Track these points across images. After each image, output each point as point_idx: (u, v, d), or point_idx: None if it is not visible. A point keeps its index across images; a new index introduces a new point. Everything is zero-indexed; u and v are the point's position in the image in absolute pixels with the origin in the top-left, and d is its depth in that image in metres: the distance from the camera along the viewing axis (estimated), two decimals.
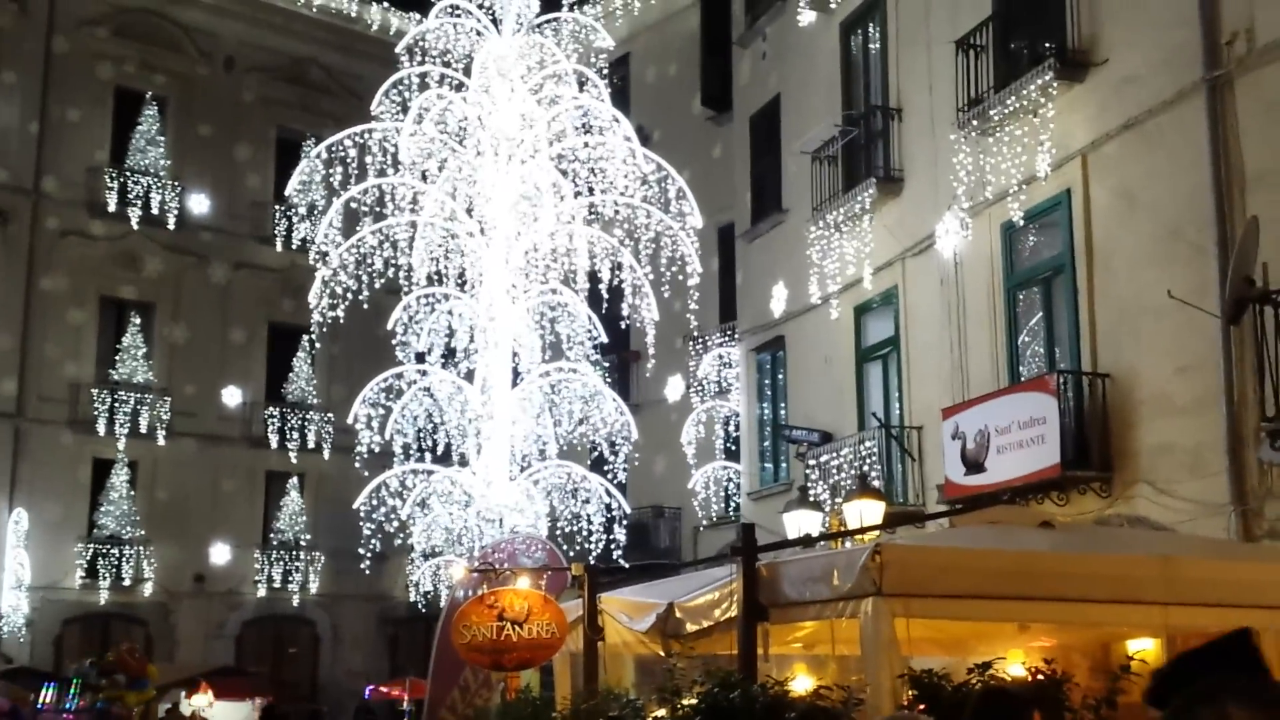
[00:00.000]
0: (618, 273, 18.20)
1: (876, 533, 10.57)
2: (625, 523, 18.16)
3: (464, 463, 17.70)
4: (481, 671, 12.84)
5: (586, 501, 17.58)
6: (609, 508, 17.77)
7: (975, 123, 14.41)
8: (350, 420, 17.82)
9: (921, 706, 6.97)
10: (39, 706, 21.54)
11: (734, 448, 22.64)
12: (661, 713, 8.56)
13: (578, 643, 10.98)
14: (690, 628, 8.88)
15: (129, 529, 29.03)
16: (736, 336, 21.76)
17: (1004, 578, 7.35)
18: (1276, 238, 10.45)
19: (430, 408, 17.24)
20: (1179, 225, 12.04)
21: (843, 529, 11.66)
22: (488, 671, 12.62)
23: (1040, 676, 7.14)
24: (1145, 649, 8.81)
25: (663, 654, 9.32)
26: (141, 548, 29.07)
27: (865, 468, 15.56)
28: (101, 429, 28.77)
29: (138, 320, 30.07)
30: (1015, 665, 7.89)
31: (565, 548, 17.17)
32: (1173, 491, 11.75)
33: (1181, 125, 12.06)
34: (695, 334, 23.19)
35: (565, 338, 17.68)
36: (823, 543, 11.13)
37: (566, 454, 18.23)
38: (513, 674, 12.09)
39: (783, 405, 19.69)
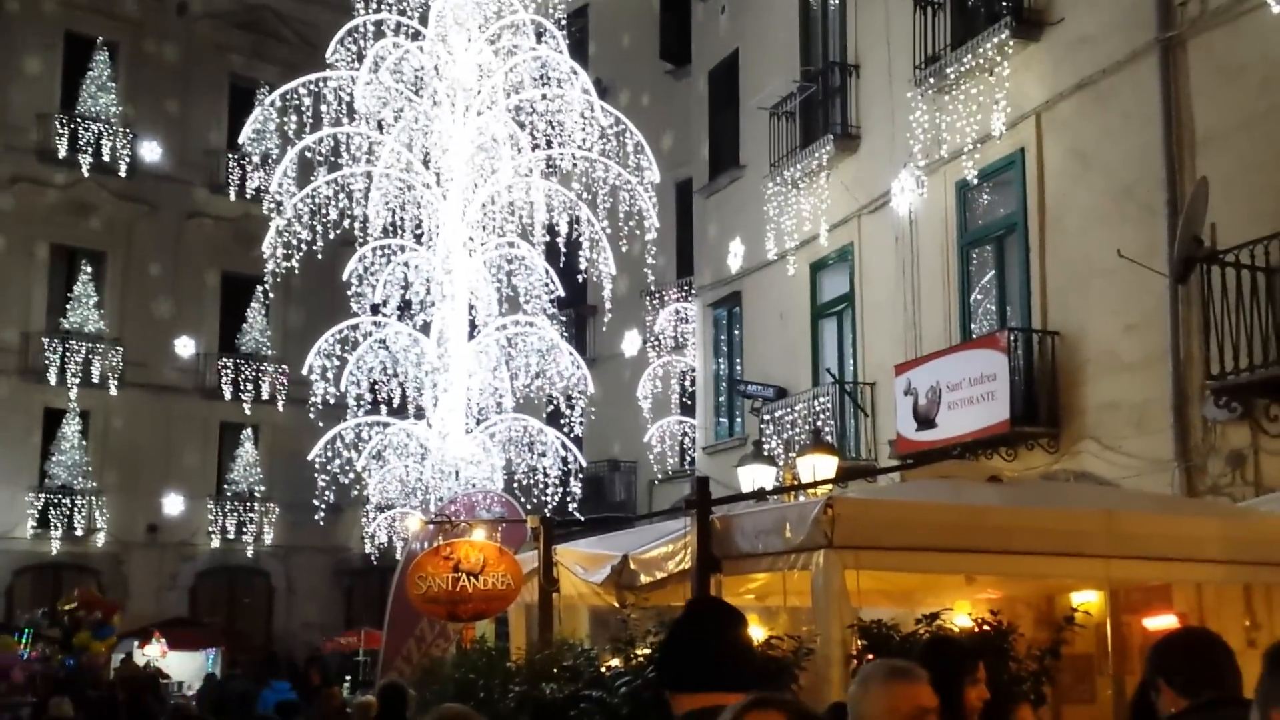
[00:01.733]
0: (575, 227, 18.17)
1: (829, 487, 10.71)
2: (581, 476, 18.24)
3: (420, 415, 17.69)
4: (438, 622, 12.91)
5: (543, 455, 17.64)
6: (565, 461, 17.84)
7: (932, 80, 14.47)
8: (305, 371, 17.73)
9: (870, 656, 7.11)
10: None
11: (690, 402, 22.75)
12: (616, 662, 8.66)
13: (533, 594, 11.06)
14: (644, 579, 8.97)
15: (80, 479, 28.81)
16: (694, 292, 21.81)
17: (952, 531, 7.48)
18: (1225, 198, 10.62)
19: (385, 360, 17.18)
20: (1130, 185, 12.18)
21: (796, 483, 11.79)
22: (444, 622, 12.69)
23: (986, 627, 7.29)
24: (1088, 601, 9.02)
25: (617, 605, 9.41)
26: (94, 498, 28.89)
27: (819, 423, 15.70)
28: (53, 378, 28.48)
29: (89, 269, 29.70)
30: (962, 616, 8.05)
31: (522, 500, 17.24)
32: (1118, 447, 11.97)
33: (1134, 85, 12.17)
34: (652, 289, 23.21)
35: (522, 291, 17.65)
36: (776, 497, 11.26)
37: (523, 407, 18.26)
38: (468, 625, 12.17)
39: (738, 360, 19.79)
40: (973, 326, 14.34)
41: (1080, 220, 12.77)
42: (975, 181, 14.08)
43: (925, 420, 13.65)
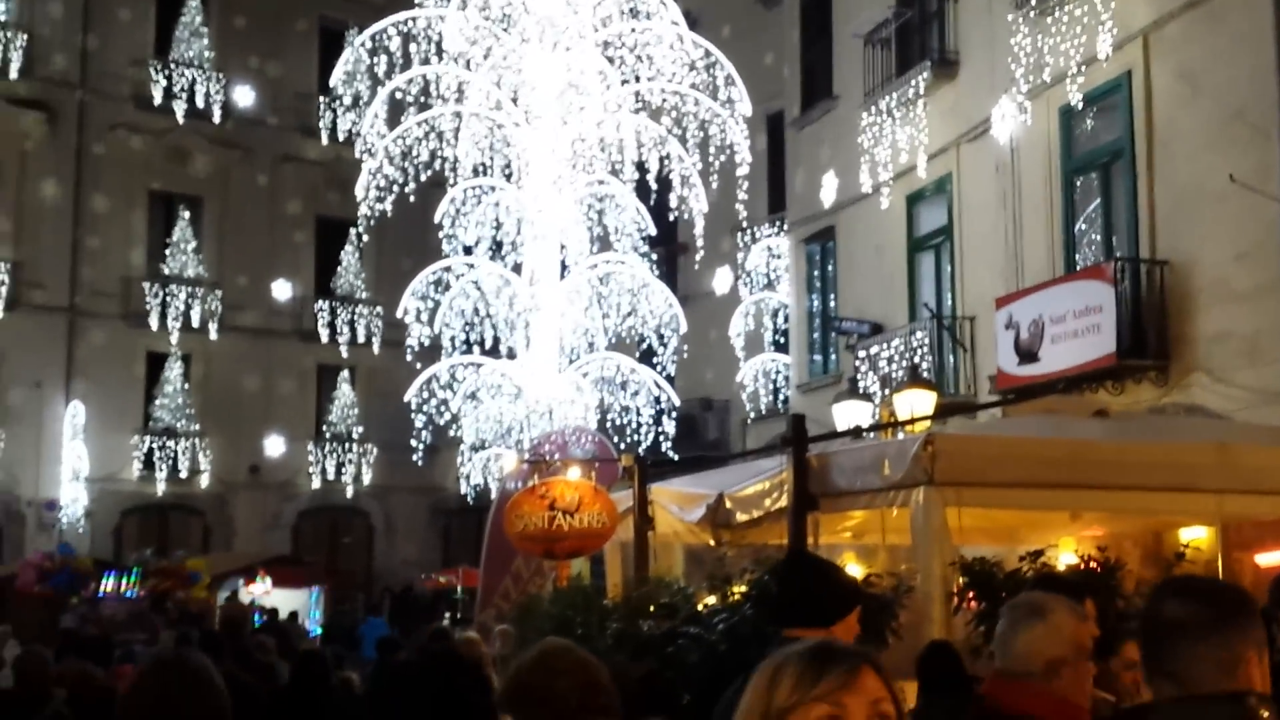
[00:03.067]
0: (666, 163, 17.95)
1: (927, 424, 10.50)
2: (674, 415, 18.17)
3: (512, 356, 17.73)
4: (534, 560, 13.01)
5: (635, 394, 17.60)
6: (658, 400, 17.78)
7: (1033, 2, 13.96)
8: (399, 314, 17.85)
9: (971, 594, 6.97)
10: (99, 595, 22.13)
11: (783, 340, 22.54)
12: (712, 600, 8.63)
13: (628, 532, 11.06)
14: (740, 518, 8.91)
15: (184, 422, 29.55)
16: (786, 227, 21.52)
17: (1057, 466, 7.28)
18: None
19: (478, 301, 17.22)
20: (1241, 108, 11.67)
21: (893, 420, 11.60)
22: (540, 560, 12.78)
23: (1092, 565, 7.10)
24: (1198, 537, 8.75)
25: (713, 543, 9.38)
26: (197, 440, 29.62)
27: (916, 359, 15.42)
28: (154, 323, 29.14)
29: (186, 214, 30.24)
30: (1067, 554, 7.86)
31: (615, 440, 17.25)
32: (1230, 380, 11.56)
33: (1246, 5, 11.66)
34: (744, 225, 22.95)
35: (613, 229, 17.52)
36: (873, 434, 11.09)
37: (615, 347, 18.21)
38: (563, 562, 12.24)
39: (833, 297, 19.51)
40: (1077, 257, 13.92)
41: (1189, 145, 12.28)
42: (1079, 106, 13.59)
43: (1028, 354, 13.31)
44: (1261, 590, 5.29)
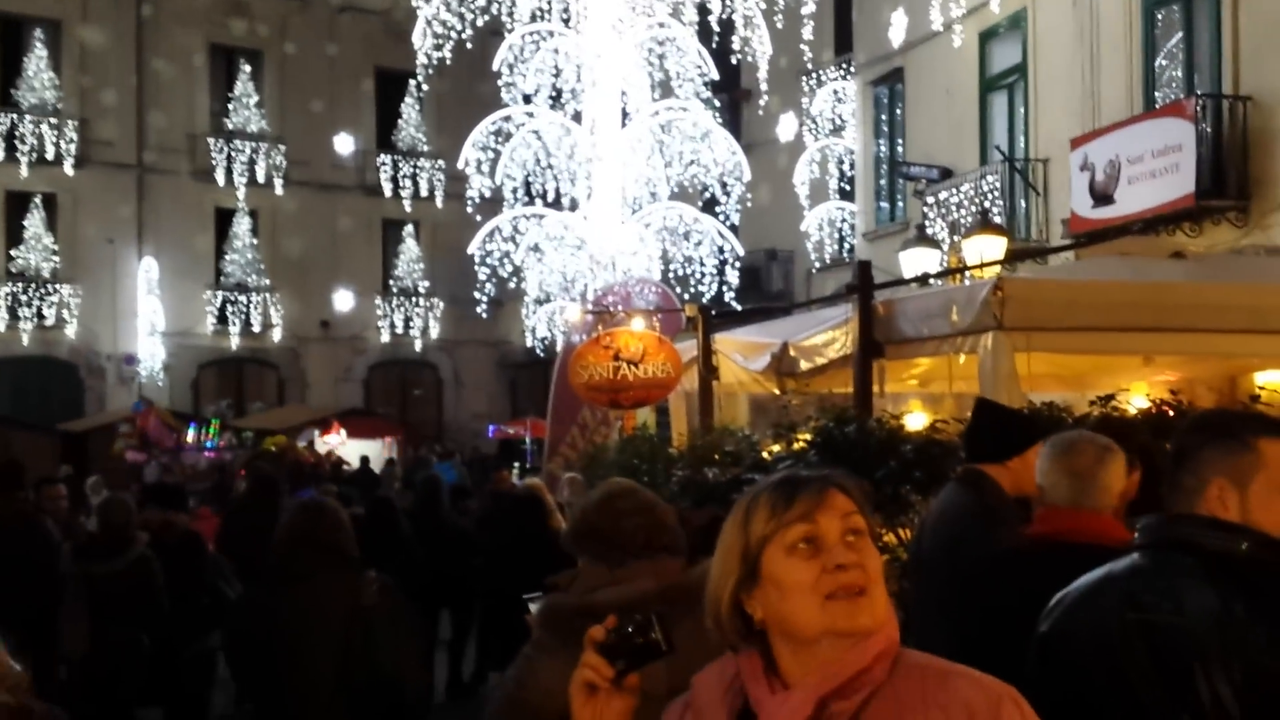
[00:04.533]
0: (728, 3, 17.42)
1: (997, 269, 10.30)
2: (738, 265, 18.00)
3: (575, 207, 17.59)
4: (600, 410, 13.11)
5: (698, 244, 17.40)
6: (721, 250, 17.59)
7: None
8: (460, 165, 17.71)
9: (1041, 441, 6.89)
10: (179, 447, 22.79)
11: (849, 187, 22.15)
12: (777, 447, 8.64)
13: (692, 382, 11.08)
14: (805, 366, 8.86)
15: (254, 277, 29.95)
16: (853, 69, 20.93)
17: (1129, 309, 7.11)
18: None
19: (539, 151, 17.01)
20: None
21: (962, 266, 11.40)
22: (606, 410, 12.87)
23: (1164, 409, 6.98)
24: (1274, 380, 8.56)
25: (777, 392, 9.36)
26: (268, 295, 30.04)
27: (986, 204, 15.09)
28: (221, 179, 29.34)
29: (247, 68, 30.14)
30: (1138, 398, 7.73)
31: (678, 291, 17.14)
32: None
33: None
34: (809, 68, 22.36)
35: (674, 75, 17.12)
36: (941, 281, 10.92)
37: (677, 196, 17.97)
38: (629, 412, 12.32)
39: (900, 141, 19.07)
40: (1157, 95, 13.41)
41: None
42: None
43: (1103, 196, 12.96)
44: None
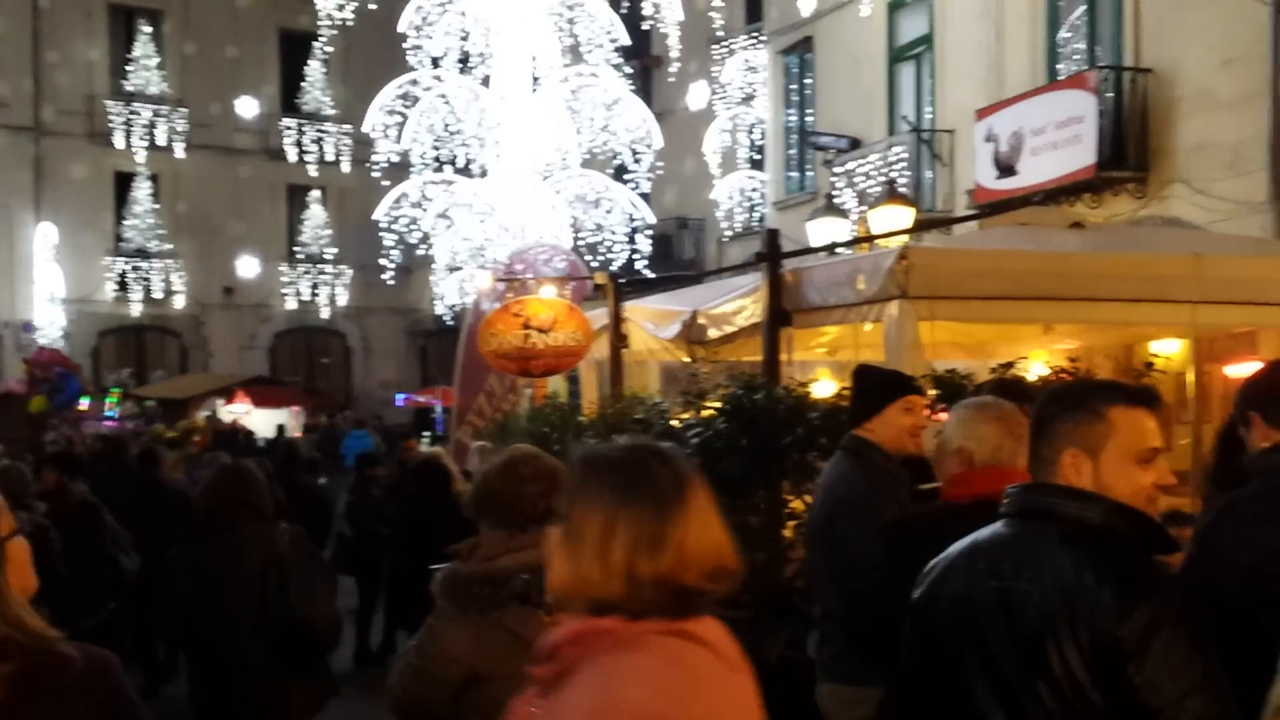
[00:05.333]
0: None
1: (903, 238, 10.41)
2: (649, 233, 18.00)
3: (484, 173, 17.42)
4: (507, 377, 13.03)
5: (609, 212, 17.36)
6: (632, 218, 17.57)
7: None
8: (366, 129, 17.43)
9: (942, 406, 6.99)
10: (81, 416, 22.26)
11: (759, 157, 22.23)
12: (687, 415, 8.67)
13: (603, 350, 11.07)
14: (714, 334, 8.89)
15: (155, 242, 29.25)
16: (763, 38, 20.97)
17: (1031, 278, 7.22)
18: None
19: (447, 116, 16.79)
20: None
21: (869, 235, 11.50)
22: (514, 377, 12.80)
23: (1063, 375, 7.12)
24: (1170, 350, 8.79)
25: (687, 360, 9.38)
26: (170, 261, 29.38)
27: (893, 174, 15.24)
28: (120, 142, 28.57)
29: (147, 29, 29.32)
30: (1038, 365, 7.88)
31: (589, 258, 17.10)
32: (1209, 190, 11.47)
33: None
34: (720, 36, 22.36)
35: (584, 40, 17.00)
36: (848, 250, 11.00)
37: (588, 163, 17.90)
38: (540, 380, 12.27)
39: (810, 111, 19.16)
40: (1060, 67, 13.63)
41: None
42: None
43: (1006, 168, 13.16)
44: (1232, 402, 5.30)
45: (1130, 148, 12.25)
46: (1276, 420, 3.14)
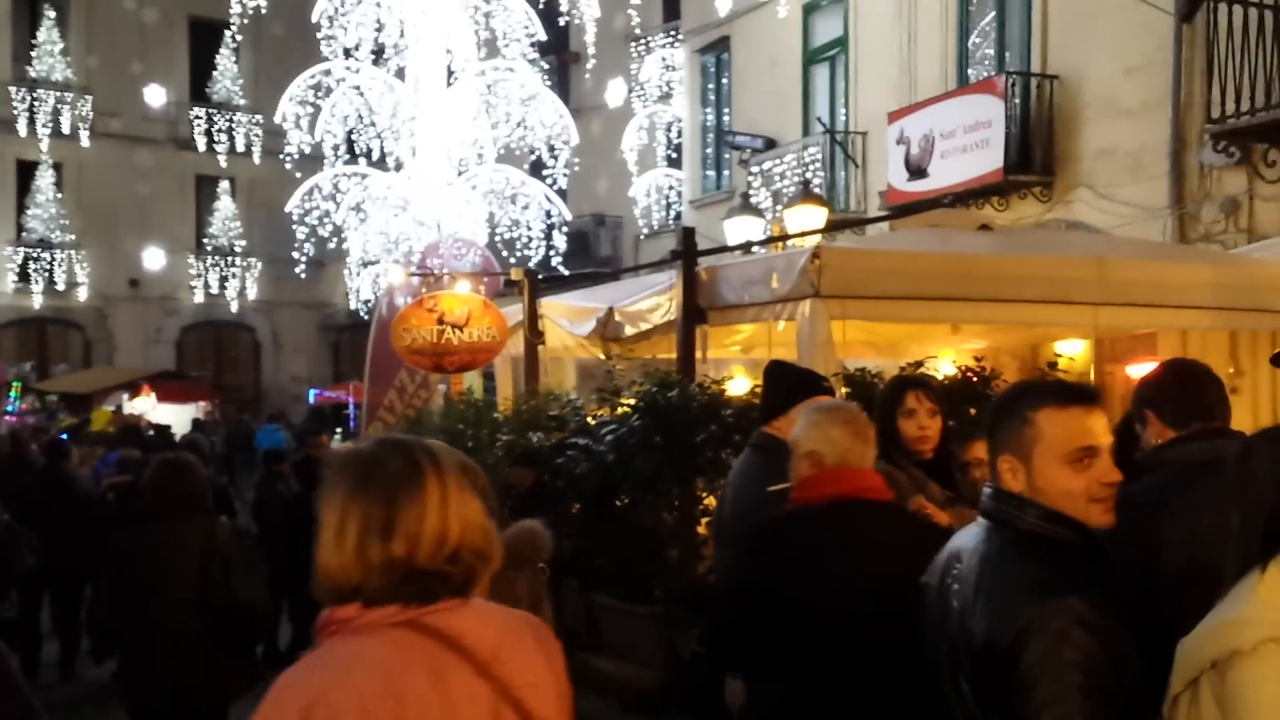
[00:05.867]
0: None
1: (817, 238, 10.53)
2: (565, 230, 17.98)
3: (399, 166, 17.25)
4: (418, 373, 12.95)
5: (526, 208, 17.30)
6: (549, 214, 17.53)
7: None
8: (278, 119, 17.16)
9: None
10: None
11: (676, 155, 22.31)
12: (602, 412, 8.69)
13: (518, 347, 11.05)
14: (630, 331, 8.92)
15: (58, 233, 28.52)
16: (680, 37, 21.04)
17: (940, 279, 7.36)
18: None
19: (361, 108, 16.60)
20: None
21: (783, 235, 11.61)
22: (424, 373, 12.72)
23: (969, 375, 7.26)
24: (1074, 351, 9.01)
25: (603, 357, 9.40)
26: (73, 252, 28.66)
27: (808, 174, 15.40)
28: (23, 129, 27.81)
29: (52, 14, 28.57)
30: (945, 364, 8.03)
31: (505, 254, 17.04)
32: (1113, 195, 11.76)
33: None
34: (638, 34, 22.40)
35: (501, 34, 16.91)
36: (763, 249, 11.10)
37: (504, 159, 17.82)
38: (455, 376, 12.20)
39: (727, 110, 19.27)
40: (970, 71, 13.87)
41: None
42: None
43: (917, 170, 13.36)
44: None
45: (1037, 152, 12.51)
46: (1170, 418, 3.25)
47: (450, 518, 1.96)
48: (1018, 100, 12.44)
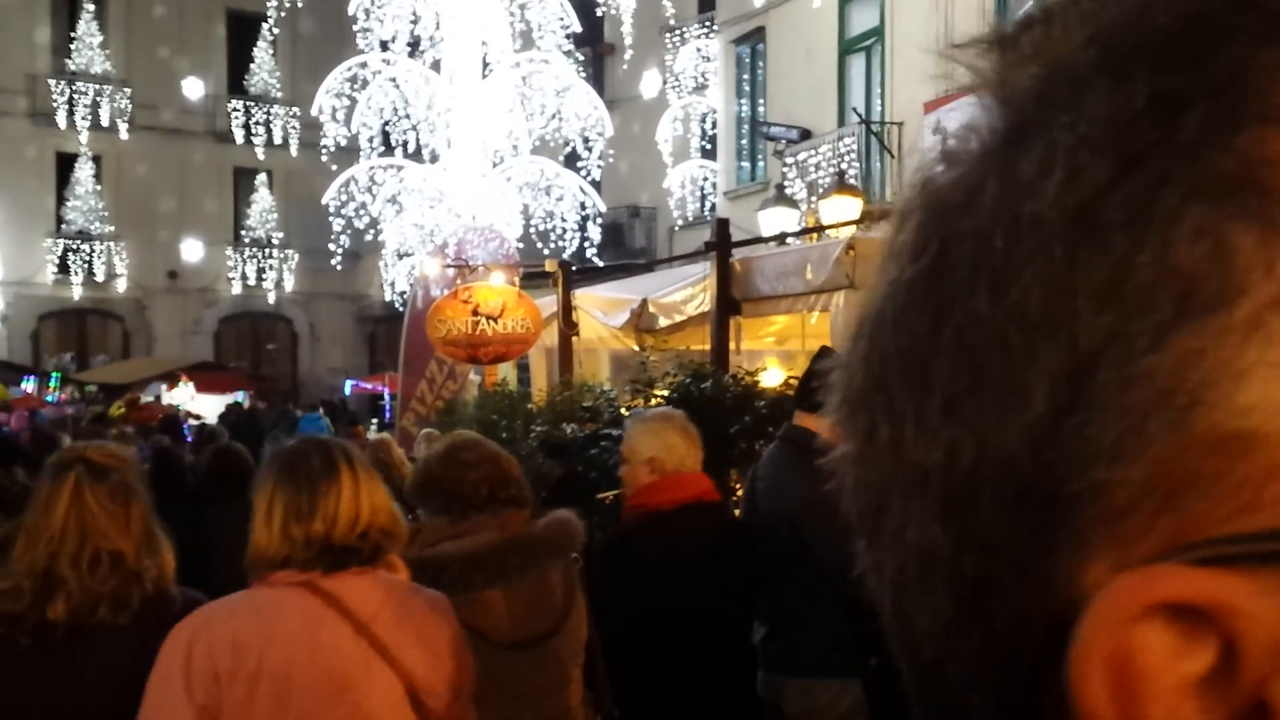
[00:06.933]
0: None
1: (852, 229, 10.47)
2: (600, 222, 17.96)
3: (434, 158, 17.29)
4: (446, 364, 12.98)
5: (560, 199, 17.30)
6: (583, 206, 17.52)
7: None
8: (314, 111, 17.23)
9: None
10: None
11: (711, 146, 22.25)
12: (636, 404, 8.67)
13: (553, 338, 11.06)
14: (664, 322, 8.91)
15: (98, 224, 28.80)
16: (715, 28, 20.98)
17: None
18: None
19: (397, 100, 16.65)
20: None
21: (818, 226, 11.55)
22: (453, 364, 12.75)
23: None
24: None
25: (637, 348, 9.39)
26: (112, 244, 28.94)
27: (844, 165, 15.31)
28: (62, 121, 28.07)
29: (91, 7, 28.81)
30: None
31: (539, 246, 17.05)
32: None
33: None
34: (673, 25, 22.35)
35: (536, 26, 16.91)
36: (798, 240, 11.05)
37: (539, 151, 17.83)
38: (489, 367, 12.22)
39: (762, 101, 19.20)
40: None
41: None
42: None
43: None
44: None
45: None
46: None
47: (361, 502, 2.34)
48: None
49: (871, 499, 0.40)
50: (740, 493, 7.32)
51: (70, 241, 28.54)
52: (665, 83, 23.40)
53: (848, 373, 0.42)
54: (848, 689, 3.89)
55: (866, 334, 0.41)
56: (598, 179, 18.01)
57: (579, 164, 17.64)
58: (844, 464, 0.41)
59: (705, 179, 22.94)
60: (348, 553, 2.32)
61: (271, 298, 31.02)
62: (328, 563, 2.30)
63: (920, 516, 0.38)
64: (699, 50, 22.73)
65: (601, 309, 10.10)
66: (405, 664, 2.32)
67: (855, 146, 15.54)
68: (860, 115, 15.74)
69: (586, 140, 17.41)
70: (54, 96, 28.11)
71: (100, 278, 28.83)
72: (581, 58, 18.56)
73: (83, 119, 28.17)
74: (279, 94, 30.60)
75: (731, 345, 8.13)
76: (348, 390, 28.92)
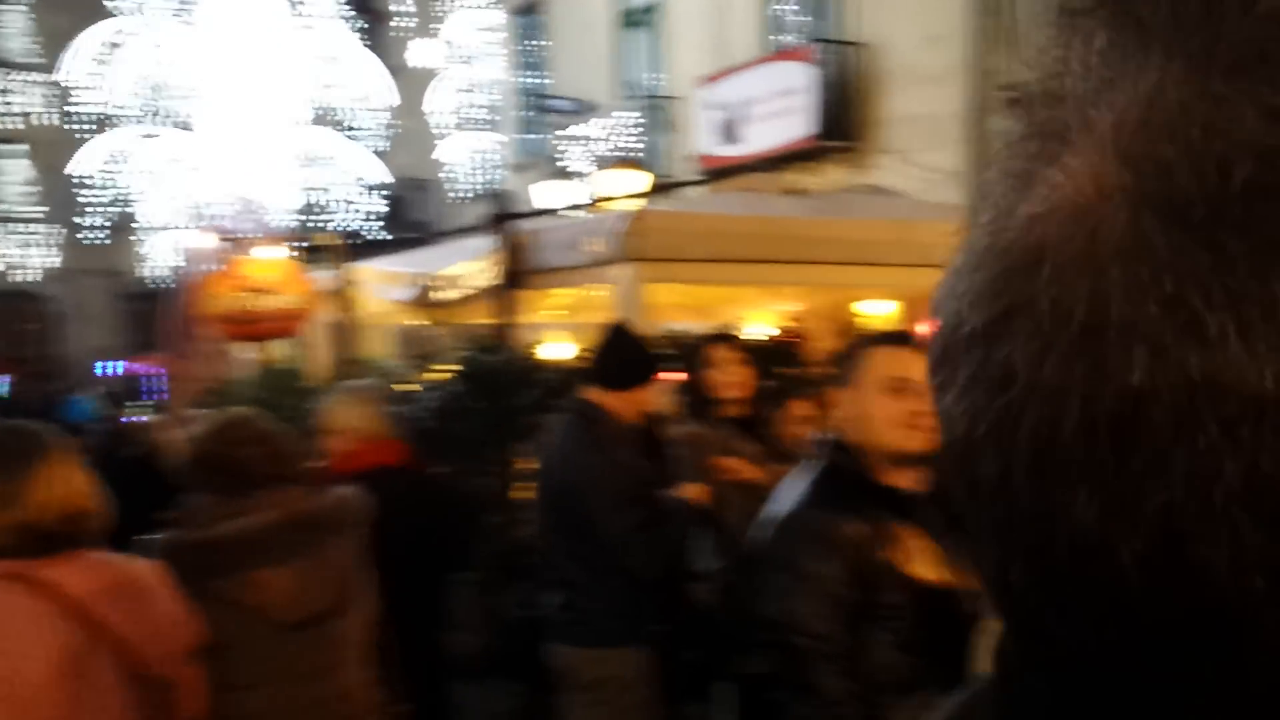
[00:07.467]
0: None
1: (632, 203, 10.60)
2: (380, 194, 17.63)
3: (194, 128, 16.60)
4: (214, 342, 12.54)
5: (338, 170, 16.88)
6: (362, 178, 17.15)
7: None
8: (66, 78, 16.28)
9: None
10: None
11: (494, 118, 22.09)
12: (428, 377, 8.60)
13: (333, 314, 10.81)
14: (446, 296, 8.84)
15: None
16: None
17: (752, 241, 7.51)
18: None
19: (157, 66, 15.87)
20: None
21: (599, 199, 11.64)
22: (221, 342, 12.34)
23: (780, 336, 7.46)
24: (884, 311, 9.32)
25: (419, 323, 9.30)
26: None
27: (624, 139, 15.46)
28: None
29: None
30: (760, 325, 8.22)
31: (318, 219, 16.62)
32: (914, 160, 12.16)
33: None
34: None
35: None
36: (582, 214, 11.12)
37: (316, 121, 17.33)
38: (266, 344, 11.86)
39: (544, 74, 19.17)
40: (781, 38, 14.11)
41: None
42: None
43: (729, 136, 13.56)
44: None
45: (845, 119, 12.83)
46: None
47: (59, 487, 2.36)
48: (827, 67, 12.72)
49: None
50: (525, 466, 7.38)
51: None
52: (444, 52, 23.06)
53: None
54: (636, 655, 4.02)
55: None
56: (379, 149, 17.68)
57: (359, 135, 17.26)
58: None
59: (489, 152, 22.78)
60: (60, 538, 2.34)
61: (29, 275, 29.25)
62: (35, 548, 2.31)
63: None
64: (479, 21, 22.50)
65: (383, 283, 9.95)
66: (129, 640, 2.36)
67: (636, 120, 15.70)
68: (635, 90, 15.91)
69: (365, 110, 17.03)
70: None
71: None
72: (363, 26, 18.12)
73: None
74: (40, 60, 28.76)
75: (515, 319, 8.14)
76: (115, 370, 27.60)
